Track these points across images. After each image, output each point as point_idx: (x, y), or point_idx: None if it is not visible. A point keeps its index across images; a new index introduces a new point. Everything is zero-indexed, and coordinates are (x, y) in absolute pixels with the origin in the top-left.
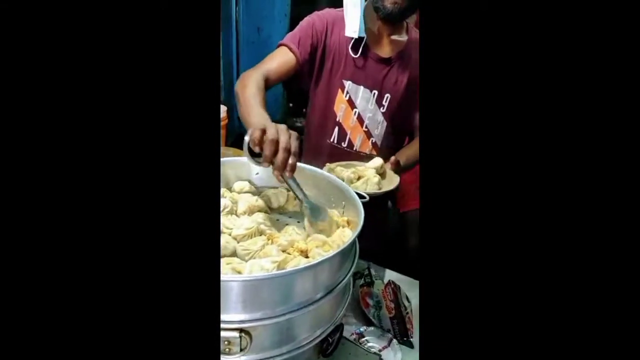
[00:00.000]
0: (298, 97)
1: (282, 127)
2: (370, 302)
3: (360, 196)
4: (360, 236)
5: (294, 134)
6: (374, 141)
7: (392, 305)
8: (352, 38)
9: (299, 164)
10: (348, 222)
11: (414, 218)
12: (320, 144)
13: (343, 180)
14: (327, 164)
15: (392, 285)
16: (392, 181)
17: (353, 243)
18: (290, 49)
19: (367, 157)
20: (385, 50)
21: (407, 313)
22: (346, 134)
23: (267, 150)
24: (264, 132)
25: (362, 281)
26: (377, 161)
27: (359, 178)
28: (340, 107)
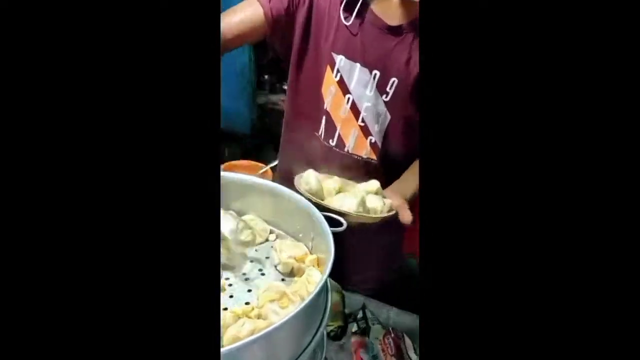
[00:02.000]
0: (274, 66)
1: None
2: (365, 357)
3: (336, 223)
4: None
5: None
6: (372, 141)
7: None
8: None
9: (251, 177)
10: (318, 262)
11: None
12: (303, 138)
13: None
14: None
15: (393, 335)
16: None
17: (322, 290)
18: (260, 3)
19: (363, 163)
20: (393, 15)
21: None
22: (335, 129)
23: None
24: None
25: (354, 327)
26: (374, 184)
27: (339, 191)
28: (329, 90)
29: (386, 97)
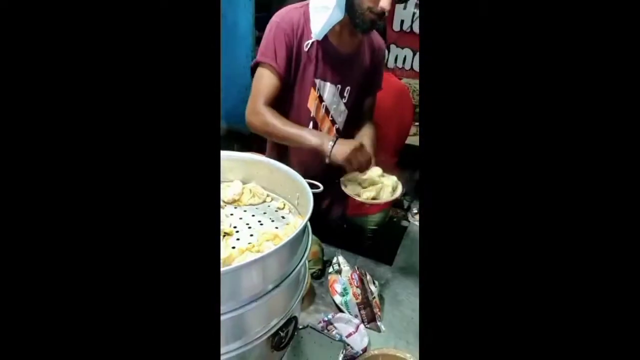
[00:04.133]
0: None
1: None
2: (338, 289)
3: (313, 186)
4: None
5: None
6: (337, 127)
7: (359, 292)
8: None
9: (253, 155)
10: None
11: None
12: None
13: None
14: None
15: (358, 272)
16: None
17: (303, 231)
18: (271, 68)
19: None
20: (347, 47)
21: (374, 298)
22: (317, 124)
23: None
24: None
25: (330, 269)
26: (377, 170)
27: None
28: (313, 104)
29: (345, 99)
